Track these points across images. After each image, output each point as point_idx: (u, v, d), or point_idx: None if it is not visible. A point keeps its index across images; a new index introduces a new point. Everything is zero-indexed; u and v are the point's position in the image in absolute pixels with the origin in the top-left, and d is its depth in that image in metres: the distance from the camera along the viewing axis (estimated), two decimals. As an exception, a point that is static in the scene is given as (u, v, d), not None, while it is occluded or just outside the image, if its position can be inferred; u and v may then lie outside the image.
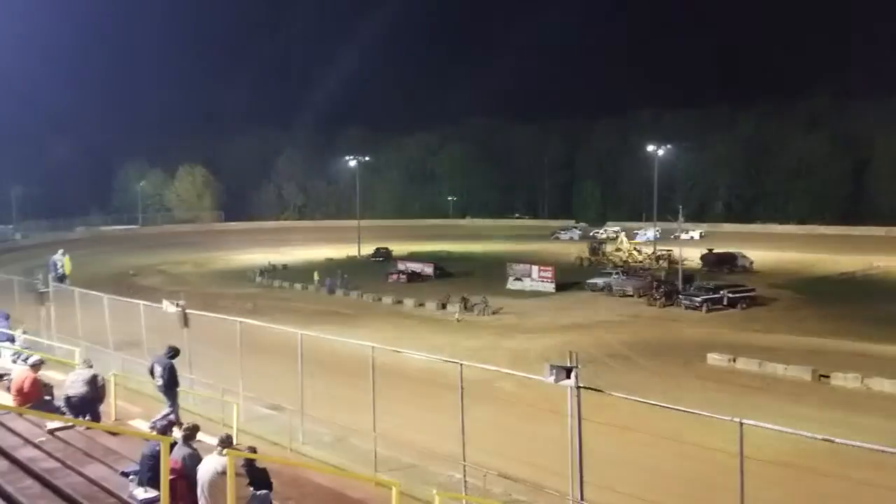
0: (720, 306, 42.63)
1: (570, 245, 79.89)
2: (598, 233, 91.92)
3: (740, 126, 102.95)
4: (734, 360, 29.27)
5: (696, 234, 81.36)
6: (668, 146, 79.65)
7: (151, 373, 14.80)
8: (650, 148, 77.90)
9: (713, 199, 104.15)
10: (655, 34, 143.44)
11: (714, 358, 29.75)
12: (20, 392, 12.68)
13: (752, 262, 61.35)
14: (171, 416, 13.65)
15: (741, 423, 9.56)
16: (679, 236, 66.14)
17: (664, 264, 61.16)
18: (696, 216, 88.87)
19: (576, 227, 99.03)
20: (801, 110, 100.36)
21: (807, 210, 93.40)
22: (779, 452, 14.37)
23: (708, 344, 32.36)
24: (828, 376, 26.82)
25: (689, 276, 50.92)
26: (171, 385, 14.67)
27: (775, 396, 24.84)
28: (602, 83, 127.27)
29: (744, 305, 43.27)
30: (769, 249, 67.64)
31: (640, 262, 65.32)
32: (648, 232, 78.74)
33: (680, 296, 44.69)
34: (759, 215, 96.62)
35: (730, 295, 43.56)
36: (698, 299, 42.98)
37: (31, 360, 13.81)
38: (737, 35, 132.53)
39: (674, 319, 40.68)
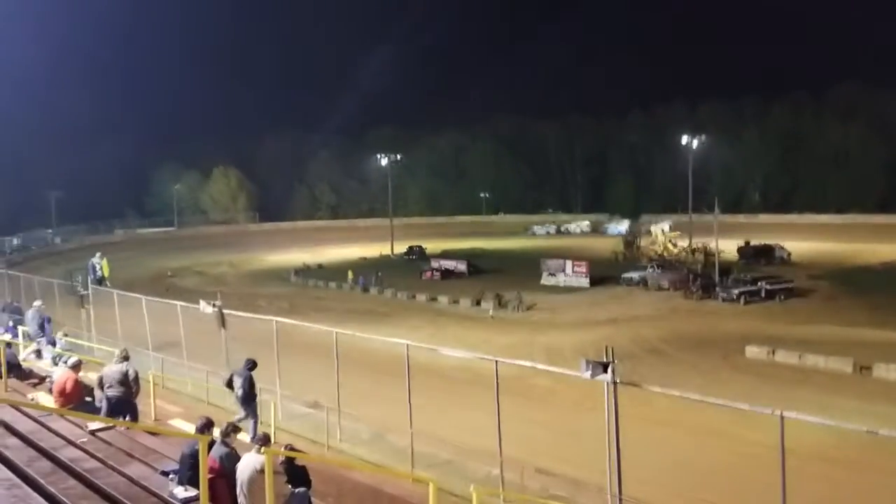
0: (758, 299, 42.04)
1: (582, 240, 79.38)
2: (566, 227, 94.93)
3: (774, 116, 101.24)
4: (773, 353, 28.83)
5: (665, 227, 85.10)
6: (703, 137, 78.64)
7: (230, 385, 15.10)
8: (684, 140, 76.99)
9: (749, 191, 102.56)
10: (685, 26, 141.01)
11: (752, 351, 29.33)
12: (62, 393, 12.91)
13: (789, 254, 60.39)
14: (256, 430, 14.09)
15: (782, 416, 9.38)
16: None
17: (700, 257, 60.42)
18: (732, 208, 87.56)
19: (554, 223, 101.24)
20: (835, 99, 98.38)
21: (844, 199, 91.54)
22: (820, 446, 14.11)
23: (746, 337, 31.91)
24: (869, 368, 26.31)
25: (726, 269, 50.24)
26: (250, 396, 14.88)
27: (816, 389, 24.42)
28: (633, 76, 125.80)
29: (782, 297, 42.61)
30: (807, 240, 66.45)
31: (676, 255, 64.58)
32: (620, 226, 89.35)
33: (717, 289, 44.13)
34: (796, 205, 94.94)
35: (768, 287, 42.93)
36: (736, 292, 42.42)
37: (70, 362, 14.06)
38: (769, 24, 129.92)
39: (711, 313, 40.17)
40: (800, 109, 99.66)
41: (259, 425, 14.89)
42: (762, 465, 12.48)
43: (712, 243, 56.36)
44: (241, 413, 14.78)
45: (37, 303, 21.16)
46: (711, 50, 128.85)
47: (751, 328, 34.87)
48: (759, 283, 43.14)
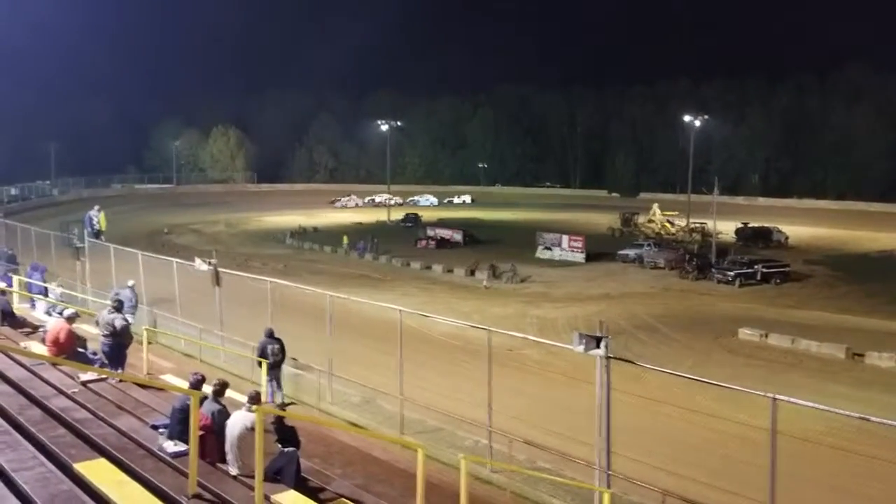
0: (753, 281, 42.04)
1: (567, 213, 78.72)
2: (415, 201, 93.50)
3: (779, 98, 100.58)
4: (766, 336, 28.88)
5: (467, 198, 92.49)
6: (706, 117, 78.27)
7: (263, 354, 15.76)
8: (686, 119, 76.64)
9: (749, 172, 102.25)
10: (693, 1, 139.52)
11: (746, 333, 29.39)
12: (55, 343, 12.90)
13: (787, 237, 60.35)
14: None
15: (774, 399, 9.39)
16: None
17: (697, 237, 60.45)
18: (732, 189, 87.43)
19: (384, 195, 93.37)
20: (841, 83, 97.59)
21: (845, 185, 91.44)
22: (810, 430, 14.18)
23: (740, 319, 31.97)
24: (862, 355, 26.37)
25: (723, 250, 50.25)
26: (282, 361, 16.11)
27: (807, 373, 24.53)
28: (637, 51, 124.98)
29: (778, 281, 42.62)
30: (806, 225, 66.41)
31: (673, 234, 64.64)
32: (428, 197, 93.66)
33: (713, 269, 44.14)
34: (796, 189, 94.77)
35: (763, 270, 42.90)
36: (731, 273, 42.42)
37: (66, 313, 14.03)
38: (775, 3, 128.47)
39: (705, 293, 40.22)
40: (804, 91, 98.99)
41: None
42: (751, 446, 12.57)
43: (710, 224, 56.38)
44: (264, 384, 15.42)
45: (130, 282, 21.03)
46: (718, 27, 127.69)
47: (745, 310, 34.92)
48: (755, 266, 43.12)
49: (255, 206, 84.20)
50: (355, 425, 15.00)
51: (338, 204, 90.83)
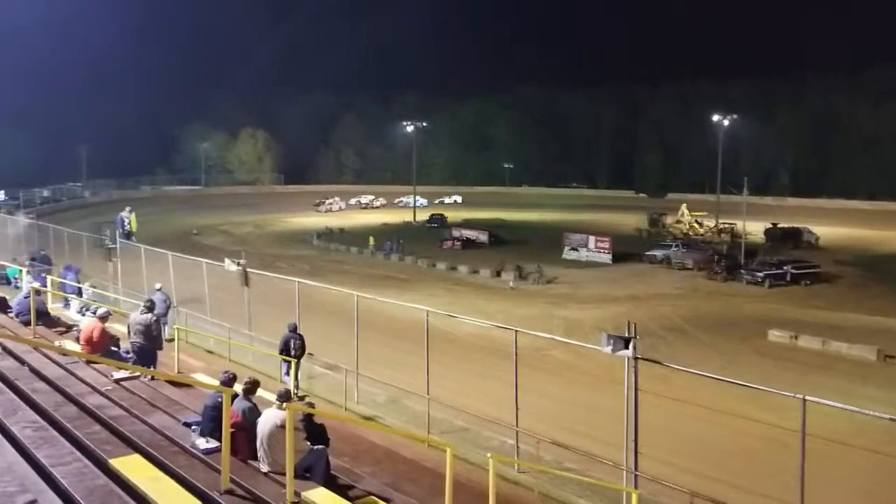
0: (783, 282, 41.61)
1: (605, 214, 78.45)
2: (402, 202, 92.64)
3: (808, 97, 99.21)
4: (796, 338, 28.59)
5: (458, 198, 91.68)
6: (734, 116, 77.53)
7: (286, 346, 16.78)
8: (715, 118, 75.99)
9: (779, 172, 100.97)
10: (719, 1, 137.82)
11: (775, 334, 29.10)
12: (89, 341, 13.14)
13: (817, 238, 59.64)
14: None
15: (804, 400, 9.34)
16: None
17: (726, 238, 59.94)
18: (761, 189, 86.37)
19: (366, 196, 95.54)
20: (870, 82, 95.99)
21: (876, 185, 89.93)
22: (839, 432, 13.99)
23: (769, 320, 31.65)
24: (893, 357, 26.03)
25: (752, 251, 49.76)
26: (302, 355, 17.06)
27: (838, 375, 24.22)
28: (665, 49, 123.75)
29: (808, 282, 42.15)
30: (836, 225, 65.47)
31: (702, 234, 64.15)
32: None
33: (741, 270, 43.74)
34: (826, 189, 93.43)
35: (793, 270, 42.46)
36: (760, 274, 42.03)
37: (99, 312, 14.28)
38: (805, 3, 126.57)
39: (734, 294, 39.87)
40: (834, 91, 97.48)
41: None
42: (779, 448, 12.46)
43: (739, 224, 55.84)
44: (289, 381, 16.41)
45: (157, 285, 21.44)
46: (746, 26, 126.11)
47: (774, 311, 34.55)
48: (784, 267, 42.67)
49: (283, 208, 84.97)
50: (384, 425, 15.11)
51: (322, 208, 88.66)
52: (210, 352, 20.36)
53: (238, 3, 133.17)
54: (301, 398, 14.25)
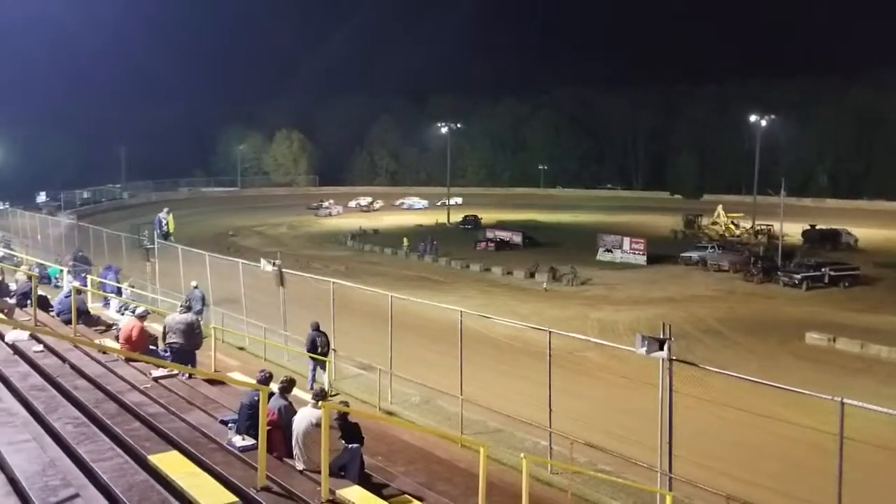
0: (821, 284, 40.91)
1: (645, 216, 77.85)
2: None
3: (850, 96, 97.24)
4: (834, 340, 28.08)
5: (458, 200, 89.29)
6: (772, 116, 76.38)
7: (313, 345, 17.27)
8: (752, 118, 74.93)
9: (817, 173, 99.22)
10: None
11: (813, 337, 28.62)
12: (128, 340, 13.39)
13: (856, 240, 58.52)
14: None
15: (842, 403, 9.20)
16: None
17: (763, 239, 59.10)
18: (799, 190, 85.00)
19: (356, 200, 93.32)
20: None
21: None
22: (880, 437, 13.75)
23: (807, 322, 31.15)
24: (935, 361, 25.45)
25: (790, 253, 48.97)
26: (327, 353, 17.61)
27: (877, 379, 23.75)
28: (701, 50, 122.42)
29: (846, 284, 41.38)
30: (876, 227, 64.23)
31: (738, 236, 63.33)
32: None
33: (779, 272, 43.09)
34: (866, 191, 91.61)
35: (832, 272, 41.72)
36: (798, 276, 41.36)
37: (138, 311, 14.55)
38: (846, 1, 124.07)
39: (771, 296, 39.30)
40: (876, 90, 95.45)
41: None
42: (818, 452, 12.29)
43: (776, 225, 55.00)
44: (323, 378, 17.17)
45: (194, 283, 22.03)
46: (786, 24, 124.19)
47: (812, 314, 34.00)
48: (822, 269, 41.94)
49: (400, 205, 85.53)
50: (417, 424, 15.18)
51: (321, 211, 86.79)
52: (245, 350, 20.63)
53: (275, 8, 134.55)
54: (332, 396, 14.44)
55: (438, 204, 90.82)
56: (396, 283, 39.11)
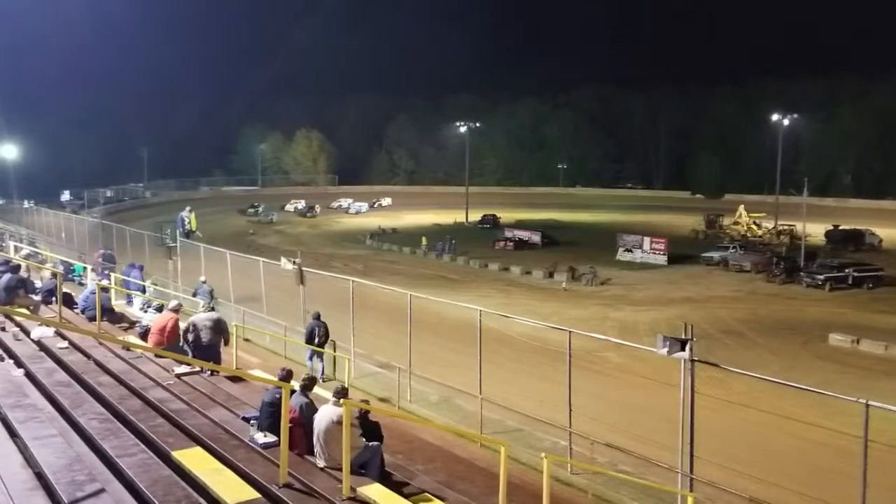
0: (844, 285, 40.51)
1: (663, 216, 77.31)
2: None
3: (874, 95, 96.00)
4: (857, 342, 27.82)
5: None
6: (795, 115, 75.65)
7: (311, 334, 17.73)
8: (775, 118, 74.25)
9: (841, 173, 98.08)
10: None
11: (836, 338, 28.37)
12: (162, 332, 13.58)
13: (881, 241, 57.86)
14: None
15: (867, 405, 9.10)
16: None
17: (785, 240, 58.59)
18: (822, 190, 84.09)
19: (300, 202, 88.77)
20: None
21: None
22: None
23: (829, 324, 30.89)
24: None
25: (812, 253, 48.52)
26: (325, 342, 17.98)
27: (902, 381, 23.50)
28: (722, 49, 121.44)
29: (870, 285, 40.94)
30: (901, 227, 63.46)
31: (760, 236, 62.82)
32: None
33: (801, 273, 42.70)
34: (890, 190, 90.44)
35: (855, 273, 41.32)
36: (821, 277, 40.98)
37: (172, 305, 14.75)
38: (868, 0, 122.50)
39: (793, 297, 38.96)
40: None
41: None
42: (841, 455, 12.19)
43: (798, 226, 54.48)
44: (310, 366, 17.52)
45: (202, 278, 22.45)
46: (809, 23, 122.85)
47: (835, 315, 33.70)
48: (846, 270, 41.54)
49: (337, 208, 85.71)
50: (437, 423, 15.19)
51: (308, 213, 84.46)
52: (268, 349, 20.74)
53: (296, 7, 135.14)
54: (325, 381, 14.72)
55: (373, 203, 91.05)
56: (415, 281, 39.17)
